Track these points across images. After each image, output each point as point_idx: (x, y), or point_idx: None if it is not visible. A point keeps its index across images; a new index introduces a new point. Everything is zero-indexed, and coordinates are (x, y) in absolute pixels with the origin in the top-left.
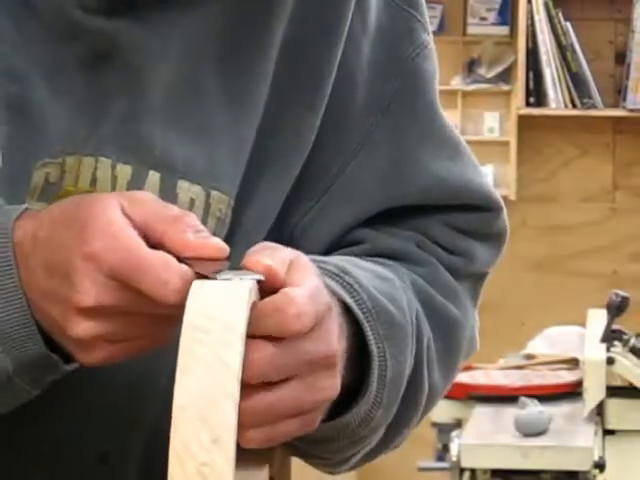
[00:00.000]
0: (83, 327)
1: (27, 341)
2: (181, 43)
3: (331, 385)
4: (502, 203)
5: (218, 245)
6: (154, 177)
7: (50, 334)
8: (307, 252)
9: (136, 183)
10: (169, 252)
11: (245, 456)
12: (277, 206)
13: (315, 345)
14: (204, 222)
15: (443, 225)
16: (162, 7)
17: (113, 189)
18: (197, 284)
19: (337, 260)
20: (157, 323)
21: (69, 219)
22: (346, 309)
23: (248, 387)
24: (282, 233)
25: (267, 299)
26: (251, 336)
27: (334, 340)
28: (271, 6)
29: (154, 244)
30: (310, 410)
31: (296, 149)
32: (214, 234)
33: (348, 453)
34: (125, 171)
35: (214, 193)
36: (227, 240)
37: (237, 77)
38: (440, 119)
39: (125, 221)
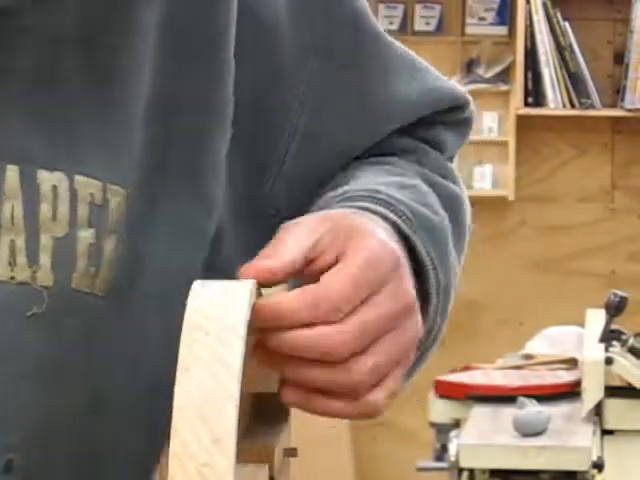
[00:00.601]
0: None
1: None
2: (36, 30)
3: (412, 324)
4: (469, 98)
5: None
6: (12, 172)
7: None
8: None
9: None
10: None
11: (245, 456)
12: (205, 185)
13: (386, 305)
14: (74, 208)
15: (418, 124)
16: None
17: None
18: (198, 284)
19: (362, 184)
20: None
21: None
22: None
23: (340, 364)
24: (261, 206)
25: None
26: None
27: (406, 289)
28: None
29: None
30: (406, 354)
31: (204, 124)
32: (90, 221)
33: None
34: None
35: (79, 178)
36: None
37: (101, 61)
38: (386, 43)
39: None
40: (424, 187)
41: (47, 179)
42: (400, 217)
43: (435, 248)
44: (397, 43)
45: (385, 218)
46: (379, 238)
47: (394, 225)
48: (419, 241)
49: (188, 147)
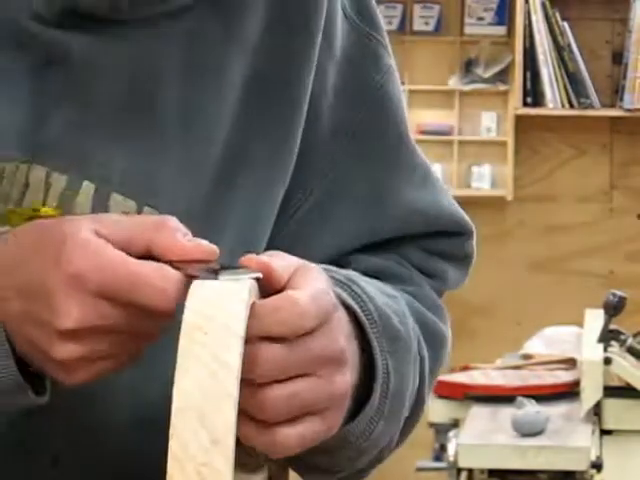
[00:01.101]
0: (67, 350)
1: (1, 371)
2: (136, 59)
3: (342, 380)
4: (473, 227)
5: (209, 247)
6: (88, 187)
7: (28, 359)
8: None
9: (70, 192)
10: (157, 259)
11: (244, 457)
12: (257, 233)
13: (321, 343)
14: None
15: (418, 249)
16: (115, 22)
17: (46, 196)
18: (197, 284)
19: (345, 271)
20: (138, 339)
21: (41, 242)
22: (354, 319)
23: (258, 385)
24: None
25: (268, 299)
26: (253, 337)
27: (340, 338)
28: (232, 32)
29: (140, 256)
30: (328, 406)
31: (269, 177)
32: None
33: (351, 466)
34: (59, 179)
35: (147, 209)
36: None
37: (194, 99)
38: (410, 146)
39: (102, 240)
40: (402, 301)
41: (120, 203)
42: (366, 315)
43: (393, 356)
44: (418, 150)
45: (350, 310)
46: (325, 285)
47: (355, 319)
48: (375, 341)
49: (250, 198)
